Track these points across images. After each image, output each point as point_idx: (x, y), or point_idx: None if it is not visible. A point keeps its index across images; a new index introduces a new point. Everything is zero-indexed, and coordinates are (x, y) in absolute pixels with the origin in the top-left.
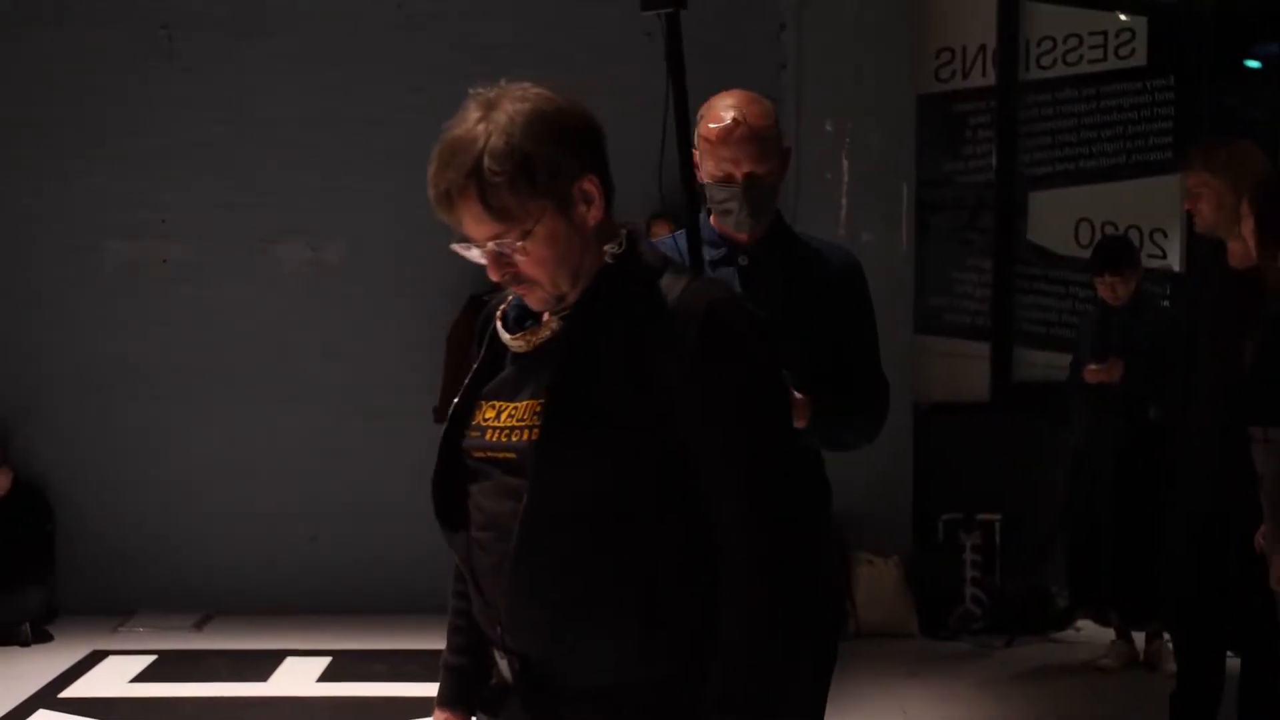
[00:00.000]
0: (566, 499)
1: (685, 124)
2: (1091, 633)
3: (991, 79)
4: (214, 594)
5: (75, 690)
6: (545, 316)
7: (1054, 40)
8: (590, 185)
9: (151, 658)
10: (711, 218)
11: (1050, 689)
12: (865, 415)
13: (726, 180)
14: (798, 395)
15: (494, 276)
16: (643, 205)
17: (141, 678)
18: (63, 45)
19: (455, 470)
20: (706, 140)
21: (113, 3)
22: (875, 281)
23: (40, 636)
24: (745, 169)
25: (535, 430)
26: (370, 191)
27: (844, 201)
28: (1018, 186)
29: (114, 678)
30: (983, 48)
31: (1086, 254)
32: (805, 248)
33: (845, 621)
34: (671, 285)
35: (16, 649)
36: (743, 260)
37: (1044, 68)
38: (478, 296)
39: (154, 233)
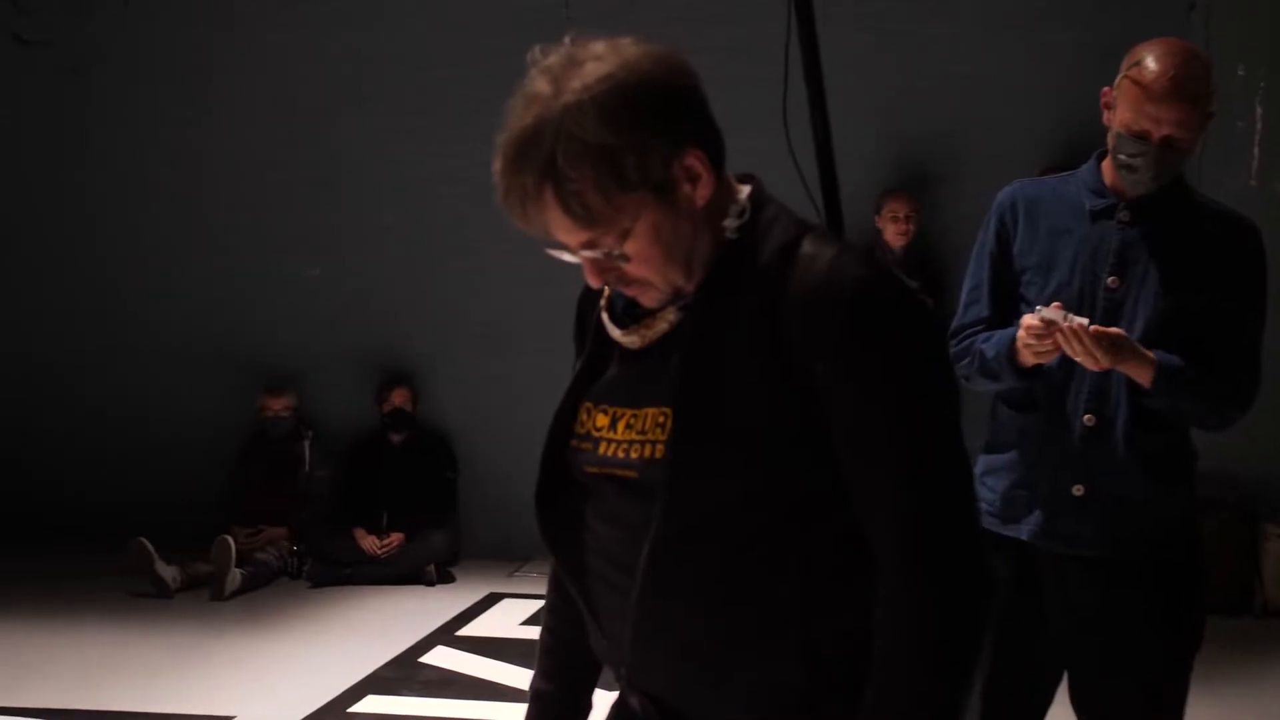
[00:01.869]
0: (702, 521)
1: (817, 73)
2: None
3: None
4: None
5: (471, 629)
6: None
7: None
8: (694, 160)
9: (542, 603)
10: (1104, 164)
11: None
12: (1216, 399)
13: (1141, 136)
14: (1149, 354)
15: (595, 283)
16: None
17: (532, 621)
18: (465, 13)
19: (561, 483)
20: (1135, 85)
21: None
22: None
23: (444, 578)
24: (1165, 132)
25: (660, 446)
26: (756, 152)
27: (1255, 152)
28: None
29: (507, 619)
30: None
31: None
32: (1197, 213)
33: (1251, 598)
34: (814, 255)
35: (423, 588)
36: (1123, 215)
37: None
38: None
39: None
